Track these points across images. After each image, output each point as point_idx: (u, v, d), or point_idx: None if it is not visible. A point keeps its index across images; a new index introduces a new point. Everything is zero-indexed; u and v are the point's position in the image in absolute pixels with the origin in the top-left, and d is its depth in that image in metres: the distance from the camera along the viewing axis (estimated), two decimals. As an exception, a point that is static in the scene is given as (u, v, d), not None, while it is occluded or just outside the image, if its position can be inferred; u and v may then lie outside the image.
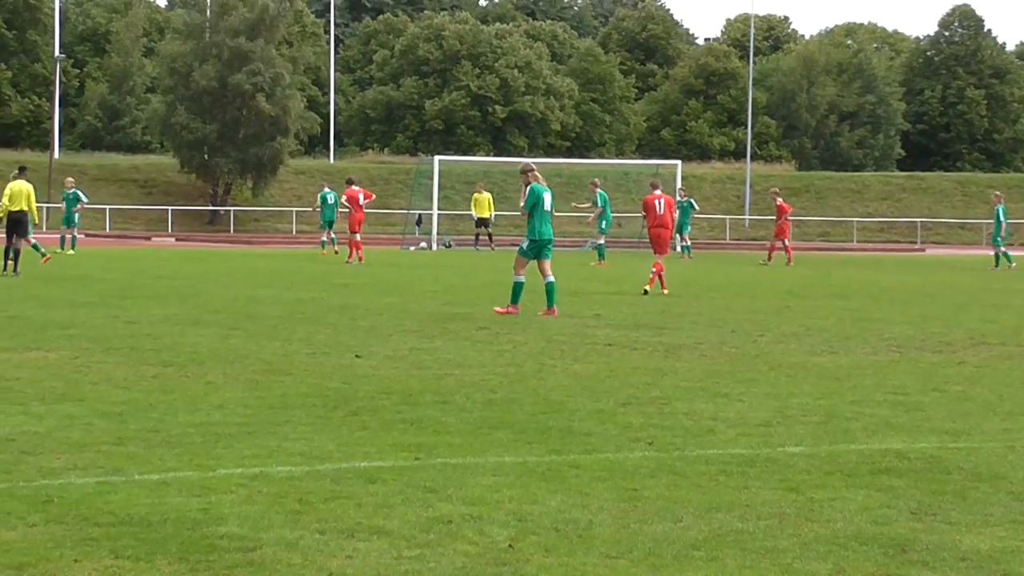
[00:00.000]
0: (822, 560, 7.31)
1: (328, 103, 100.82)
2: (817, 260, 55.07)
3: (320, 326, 19.74)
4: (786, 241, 48.13)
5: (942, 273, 43.76)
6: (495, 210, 58.30)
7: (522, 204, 23.09)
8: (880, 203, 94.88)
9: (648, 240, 30.92)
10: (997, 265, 46.55)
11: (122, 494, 8.51)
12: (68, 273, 33.56)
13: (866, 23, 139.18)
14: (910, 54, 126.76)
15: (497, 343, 17.83)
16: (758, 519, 8.16)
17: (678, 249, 50.05)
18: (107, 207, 79.06)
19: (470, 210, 59.94)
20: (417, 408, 12.10)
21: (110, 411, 11.67)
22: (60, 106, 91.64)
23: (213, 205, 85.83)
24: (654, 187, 30.77)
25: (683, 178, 65.73)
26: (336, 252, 46.50)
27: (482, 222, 57.53)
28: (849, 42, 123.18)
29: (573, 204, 58.66)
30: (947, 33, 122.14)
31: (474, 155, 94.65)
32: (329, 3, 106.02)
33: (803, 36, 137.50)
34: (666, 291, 28.42)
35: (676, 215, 30.78)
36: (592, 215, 46.92)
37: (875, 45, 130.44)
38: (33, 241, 34.18)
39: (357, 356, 15.96)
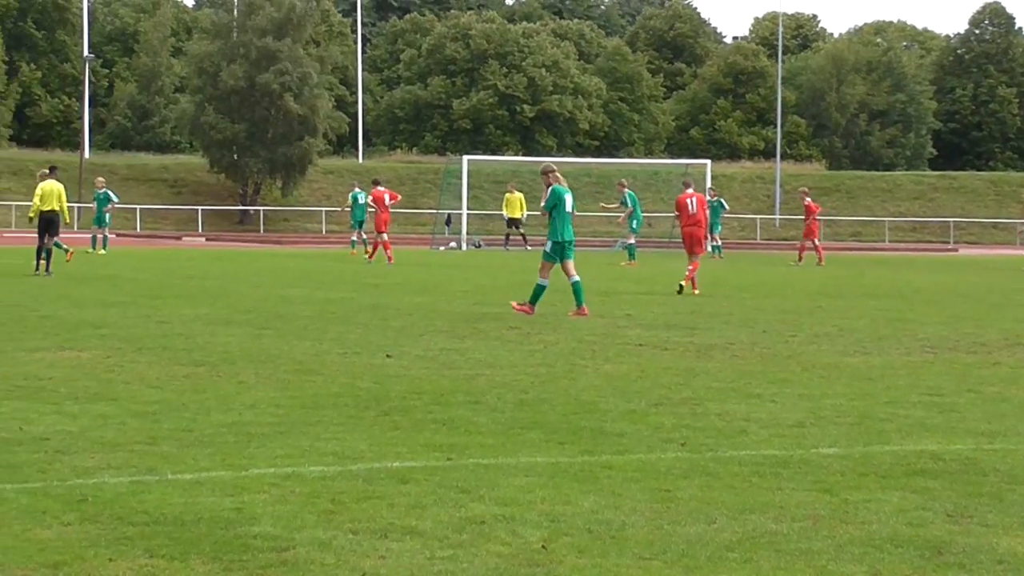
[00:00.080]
0: (857, 562, 7.27)
1: (356, 102, 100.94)
2: (849, 260, 54.92)
3: (351, 326, 19.75)
4: (816, 241, 47.99)
5: (975, 273, 43.59)
6: (527, 210, 58.24)
7: (543, 204, 23.11)
8: (912, 203, 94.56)
9: (680, 239, 30.87)
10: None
11: (156, 493, 8.52)
12: (99, 273, 33.65)
13: (895, 21, 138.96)
14: (940, 52, 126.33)
15: (528, 343, 17.81)
16: (792, 521, 8.12)
17: (708, 249, 49.95)
18: (137, 207, 79.28)
19: (499, 210, 59.94)
20: (449, 408, 12.09)
21: (143, 410, 11.69)
22: (89, 106, 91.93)
23: (243, 205, 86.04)
24: (686, 186, 30.75)
25: (712, 177, 65.60)
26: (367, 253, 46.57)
27: (513, 222, 57.49)
28: (879, 40, 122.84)
29: (601, 204, 58.63)
30: (978, 31, 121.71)
31: (502, 154, 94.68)
32: (356, 2, 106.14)
33: (832, 34, 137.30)
34: (697, 291, 28.37)
35: (708, 214, 30.72)
36: (622, 215, 46.86)
37: (905, 43, 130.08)
38: (55, 239, 34.28)
39: (388, 356, 15.95)
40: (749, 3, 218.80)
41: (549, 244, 22.81)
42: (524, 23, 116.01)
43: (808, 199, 48.50)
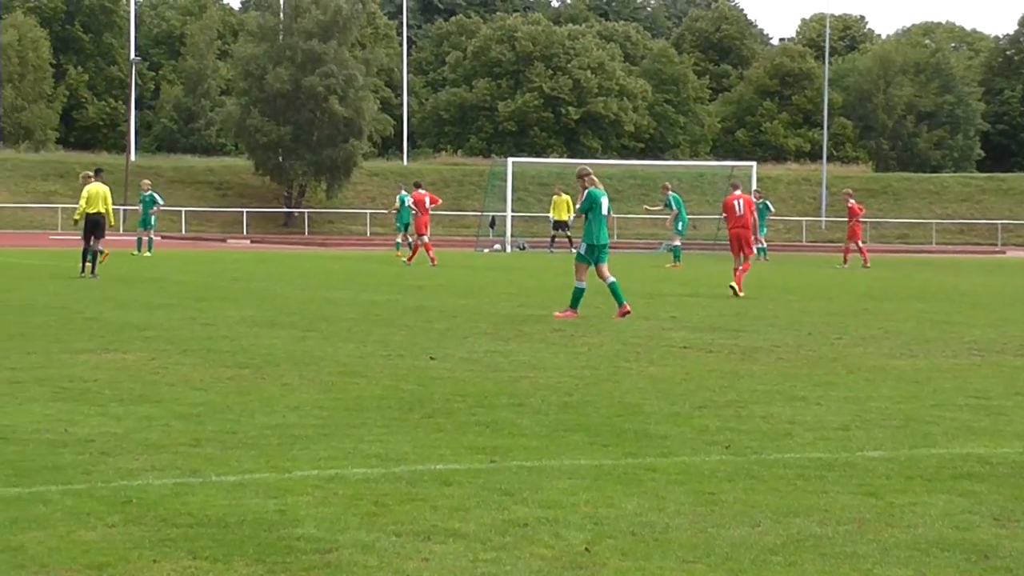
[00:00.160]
0: (903, 566, 7.23)
1: (401, 105, 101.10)
2: (895, 262, 54.67)
3: (395, 328, 19.76)
4: (859, 243, 47.77)
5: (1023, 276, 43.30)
6: (573, 213, 58.11)
7: (577, 207, 23.16)
8: (959, 204, 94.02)
9: (727, 241, 30.80)
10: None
11: (200, 495, 8.54)
12: (145, 275, 33.80)
13: (944, 22, 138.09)
14: (989, 53, 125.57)
15: (572, 345, 17.79)
16: (837, 524, 8.08)
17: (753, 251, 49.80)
18: (183, 209, 79.63)
19: (543, 212, 59.93)
20: (492, 410, 12.08)
21: (187, 412, 11.72)
22: (136, 109, 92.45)
23: (288, 207, 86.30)
24: (734, 187, 30.70)
25: (758, 179, 65.43)
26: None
27: (560, 224, 57.47)
28: (927, 41, 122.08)
29: (645, 206, 58.54)
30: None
31: (547, 157, 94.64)
32: (402, 5, 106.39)
33: (879, 36, 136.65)
34: (742, 293, 28.28)
35: (756, 216, 30.65)
36: (669, 218, 46.78)
37: (953, 44, 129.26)
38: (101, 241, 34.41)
39: (432, 358, 15.95)
40: (796, 4, 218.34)
41: (583, 246, 22.85)
42: (570, 25, 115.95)
43: (852, 201, 48.25)
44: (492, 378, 14.29)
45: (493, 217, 70.17)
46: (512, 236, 64.58)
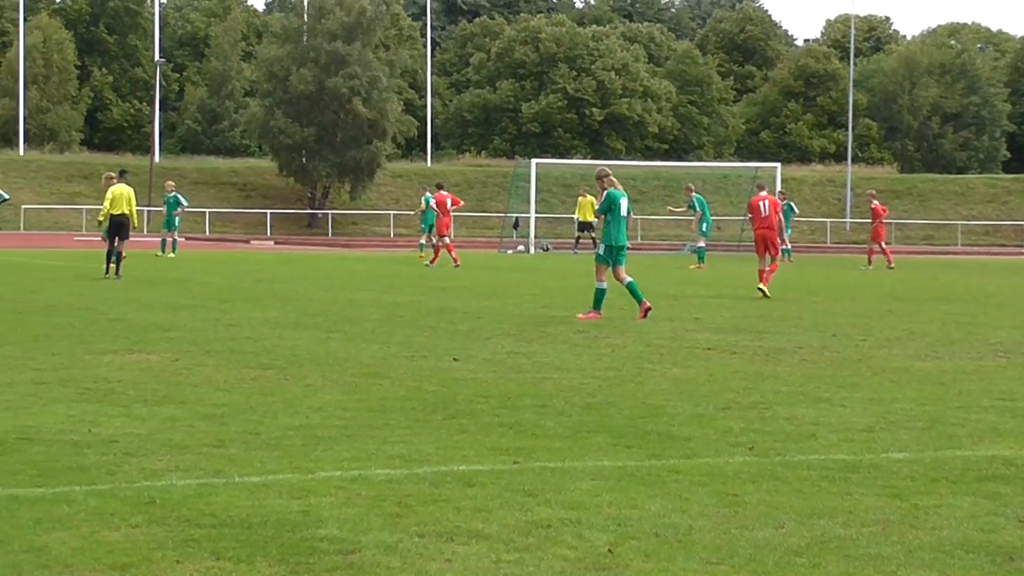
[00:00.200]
0: (927, 568, 7.20)
1: (425, 106, 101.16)
2: (920, 264, 54.53)
3: (418, 329, 19.77)
4: (882, 244, 47.65)
5: (1046, 276, 43.16)
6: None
7: (597, 208, 23.21)
8: (985, 206, 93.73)
9: (752, 242, 30.75)
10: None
11: (223, 496, 8.55)
12: (169, 276, 33.87)
13: (970, 23, 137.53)
14: (1015, 54, 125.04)
15: (595, 347, 17.78)
16: (861, 526, 8.05)
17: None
18: (206, 210, 79.79)
19: (568, 213, 59.92)
20: (515, 412, 12.07)
21: (211, 413, 11.74)
22: (160, 110, 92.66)
23: (311, 208, 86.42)
24: (760, 188, 30.68)
25: (782, 181, 65.32)
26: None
27: (585, 226, 57.47)
28: (952, 42, 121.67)
29: (669, 208, 58.53)
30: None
31: (571, 158, 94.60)
32: (425, 6, 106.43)
33: (905, 36, 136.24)
34: (762, 289, 28.23)
35: (781, 216, 30.59)
36: (693, 219, 46.75)
37: (979, 45, 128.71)
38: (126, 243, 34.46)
39: (455, 359, 15.95)
40: (821, 5, 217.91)
41: (602, 247, 22.94)
42: (594, 26, 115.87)
43: (875, 202, 48.11)
44: (515, 379, 14.28)
45: (517, 218, 70.17)
46: (536, 237, 64.57)
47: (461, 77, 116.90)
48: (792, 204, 55.01)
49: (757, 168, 69.76)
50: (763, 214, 29.58)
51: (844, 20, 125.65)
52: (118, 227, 32.56)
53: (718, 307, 25.46)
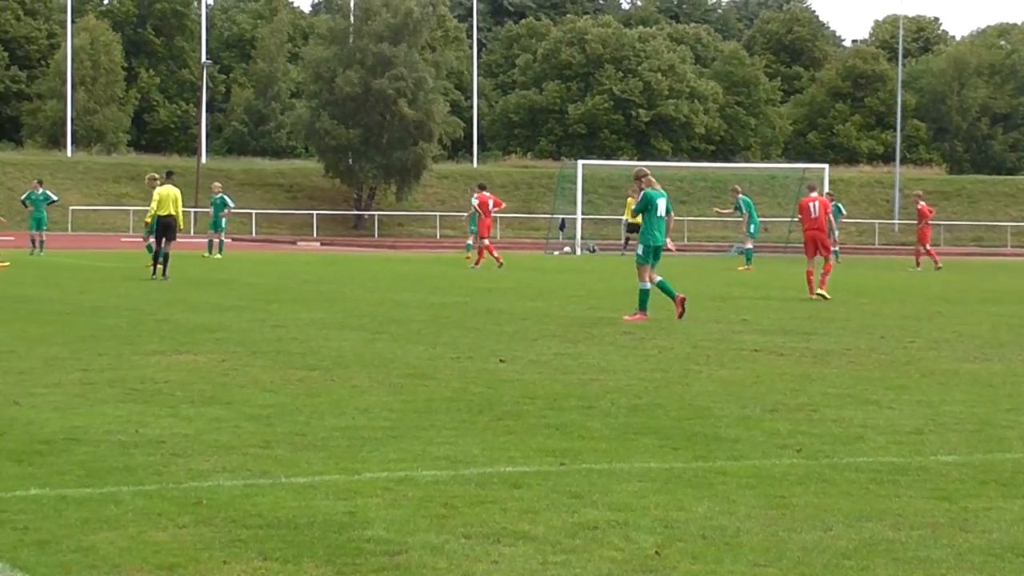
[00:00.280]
0: (977, 571, 7.15)
1: (471, 107, 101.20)
2: (970, 265, 54.24)
3: (464, 330, 19.77)
4: (927, 245, 47.42)
5: (1096, 278, 42.84)
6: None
7: (633, 208, 23.27)
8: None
9: (802, 243, 30.60)
10: None
11: (269, 497, 8.56)
12: (215, 277, 33.98)
13: (1020, 23, 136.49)
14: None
15: (642, 348, 17.74)
16: (910, 529, 8.00)
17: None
18: (253, 212, 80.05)
19: (613, 215, 59.84)
20: (562, 413, 12.05)
21: (257, 414, 11.76)
22: (207, 111, 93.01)
23: (357, 209, 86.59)
24: (810, 189, 30.61)
25: (830, 182, 65.00)
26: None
27: (634, 227, 57.32)
28: (1002, 43, 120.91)
29: (715, 209, 58.39)
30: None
31: (617, 159, 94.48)
32: (472, 7, 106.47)
33: (954, 37, 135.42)
34: (814, 296, 28.13)
35: (831, 218, 30.42)
36: (743, 221, 46.62)
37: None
38: (148, 244, 34.58)
39: (501, 360, 15.94)
40: (869, 6, 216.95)
41: (641, 248, 22.93)
42: (640, 27, 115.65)
43: (922, 203, 47.87)
44: (561, 380, 14.26)
45: (563, 220, 70.15)
46: (582, 239, 64.50)
47: (507, 78, 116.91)
48: (840, 205, 54.73)
49: (804, 169, 69.48)
50: (813, 215, 29.43)
51: (892, 21, 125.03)
52: (165, 228, 32.64)
53: (765, 309, 25.38)
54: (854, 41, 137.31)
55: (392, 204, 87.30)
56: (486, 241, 42.64)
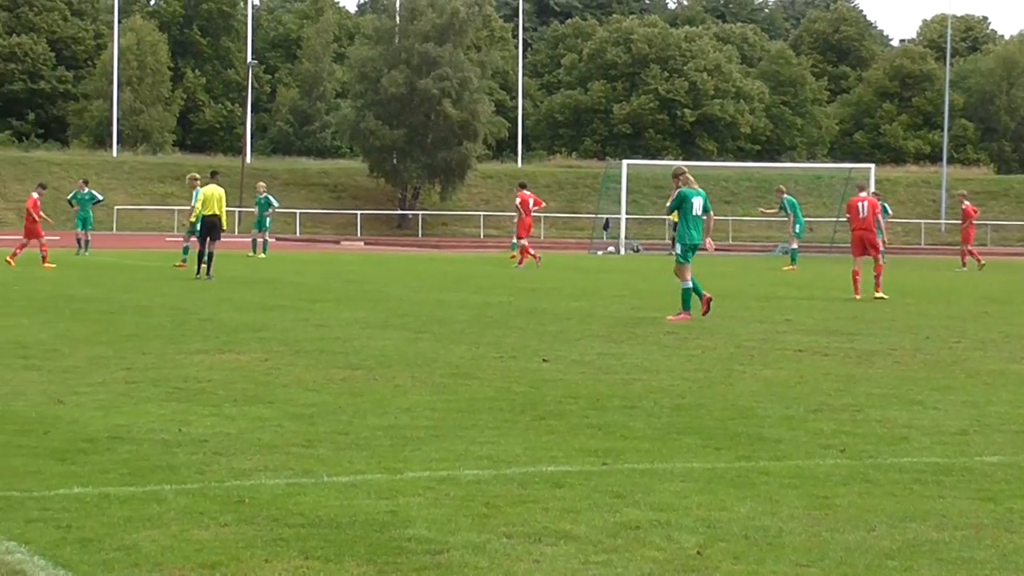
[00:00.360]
0: (1021, 573, 7.11)
1: (516, 107, 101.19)
2: (1017, 265, 53.91)
3: (507, 330, 19.76)
4: (969, 245, 47.19)
5: None
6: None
7: (667, 206, 23.27)
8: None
9: (849, 243, 30.45)
10: None
11: (312, 496, 8.57)
12: (259, 277, 34.09)
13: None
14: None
15: (685, 348, 17.70)
16: (954, 529, 7.95)
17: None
18: (297, 211, 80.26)
19: (657, 215, 59.71)
20: (604, 413, 12.03)
21: (300, 413, 11.78)
22: (252, 111, 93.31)
23: (401, 209, 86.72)
24: (860, 189, 30.52)
25: (876, 182, 64.71)
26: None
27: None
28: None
29: (760, 209, 58.25)
30: None
31: (662, 159, 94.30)
32: (518, 7, 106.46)
33: (1002, 36, 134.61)
34: (859, 296, 28.01)
35: (880, 218, 30.23)
36: (788, 221, 46.49)
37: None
38: (185, 245, 34.70)
39: (544, 360, 15.93)
40: (917, 5, 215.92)
41: (678, 247, 22.89)
42: (686, 27, 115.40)
43: (966, 203, 47.64)
44: (604, 380, 14.24)
45: (607, 219, 70.07)
46: (626, 238, 64.42)
47: (552, 78, 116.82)
48: (886, 205, 54.46)
49: (851, 169, 69.31)
50: (861, 215, 29.30)
51: (940, 20, 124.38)
52: (210, 228, 32.75)
53: (809, 309, 25.29)
54: (902, 41, 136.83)
55: (436, 204, 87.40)
56: (524, 241, 42.63)
